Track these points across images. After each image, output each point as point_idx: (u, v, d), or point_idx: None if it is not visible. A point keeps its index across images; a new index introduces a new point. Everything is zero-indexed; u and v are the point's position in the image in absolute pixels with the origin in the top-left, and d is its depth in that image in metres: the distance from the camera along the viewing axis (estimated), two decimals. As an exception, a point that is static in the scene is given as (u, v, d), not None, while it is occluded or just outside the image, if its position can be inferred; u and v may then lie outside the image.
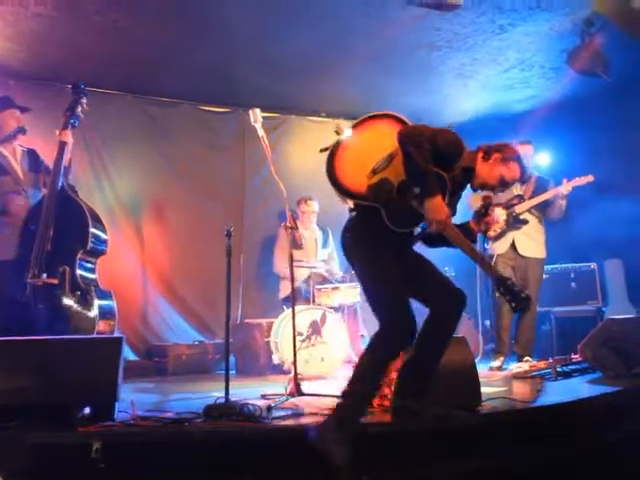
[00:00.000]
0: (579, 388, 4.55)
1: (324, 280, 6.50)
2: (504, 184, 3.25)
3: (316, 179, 7.50)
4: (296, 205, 6.73)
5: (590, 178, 5.92)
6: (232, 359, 6.09)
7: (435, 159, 3.01)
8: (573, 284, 6.66)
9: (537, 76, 6.77)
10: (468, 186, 3.35)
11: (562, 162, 6.81)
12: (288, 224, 4.81)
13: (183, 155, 7.12)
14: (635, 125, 6.55)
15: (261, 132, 4.69)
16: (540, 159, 6.74)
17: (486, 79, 6.81)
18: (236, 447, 3.24)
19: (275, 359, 5.93)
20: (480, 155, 3.29)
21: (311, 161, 7.72)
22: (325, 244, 6.95)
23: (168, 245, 6.96)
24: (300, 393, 4.33)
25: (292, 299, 4.75)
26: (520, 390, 4.50)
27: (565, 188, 5.89)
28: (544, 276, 6.17)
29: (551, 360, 5.33)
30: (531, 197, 6.04)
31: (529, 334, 5.91)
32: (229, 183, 7.32)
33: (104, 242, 4.93)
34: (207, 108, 7.35)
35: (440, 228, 2.95)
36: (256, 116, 4.70)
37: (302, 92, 7.11)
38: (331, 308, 6.11)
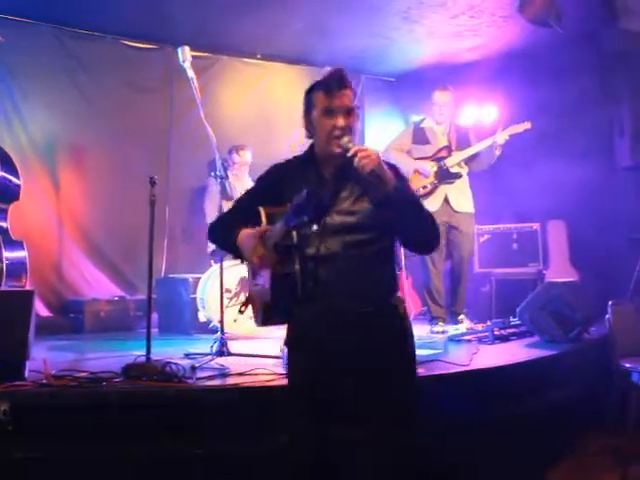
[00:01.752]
0: (515, 352, 4.73)
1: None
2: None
3: (250, 126, 7.52)
4: (227, 154, 6.68)
5: (527, 125, 5.90)
6: (155, 316, 6.09)
7: None
8: (515, 245, 6.80)
9: (487, 24, 6.83)
10: None
11: (509, 117, 6.93)
12: (218, 173, 4.79)
13: (104, 95, 6.93)
14: (584, 80, 6.69)
15: (190, 73, 4.62)
16: (486, 113, 6.83)
17: (433, 25, 6.84)
18: (157, 409, 3.28)
19: (201, 317, 5.96)
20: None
21: (245, 107, 7.67)
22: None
23: (86, 192, 6.82)
24: (227, 353, 4.38)
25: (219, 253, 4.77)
26: (456, 353, 4.65)
27: (501, 136, 5.87)
28: (485, 237, 6.31)
29: (489, 323, 5.51)
30: (458, 147, 6.06)
31: (462, 291, 6.06)
32: (154, 127, 7.18)
33: (16, 187, 4.81)
34: (131, 43, 7.15)
35: None
36: (185, 55, 4.63)
37: (237, 31, 6.99)
38: (262, 264, 6.14)
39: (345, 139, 2.38)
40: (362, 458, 2.35)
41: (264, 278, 2.53)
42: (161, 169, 6.76)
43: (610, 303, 4.96)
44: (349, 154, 2.32)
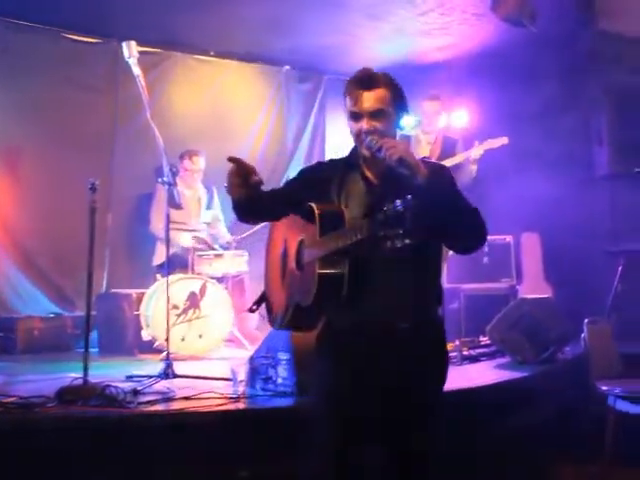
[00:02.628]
0: (485, 373, 4.78)
1: (207, 246, 6.49)
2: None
3: (203, 129, 7.51)
4: (178, 159, 6.66)
5: (504, 140, 6.08)
6: (94, 335, 6.05)
7: None
8: (486, 259, 6.87)
9: (457, 22, 6.94)
10: None
11: (480, 122, 7.01)
12: (165, 179, 4.78)
13: (41, 92, 6.84)
14: (559, 84, 6.80)
15: (137, 70, 4.61)
16: (456, 118, 6.91)
17: (401, 22, 6.92)
18: (94, 436, 3.24)
19: (145, 335, 5.91)
20: None
21: (197, 107, 7.66)
22: (209, 205, 6.92)
23: (19, 199, 6.72)
24: (172, 375, 4.35)
25: (166, 266, 4.75)
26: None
27: (476, 151, 6.06)
28: (452, 250, 6.36)
29: (457, 342, 5.56)
30: (439, 159, 6.18)
31: None
32: (97, 129, 7.12)
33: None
34: (72, 36, 7.09)
35: None
36: (131, 50, 4.61)
37: (189, 25, 6.98)
38: (213, 278, 6.13)
39: (369, 139, 2.47)
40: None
41: (300, 277, 2.65)
42: (103, 174, 6.69)
43: (586, 321, 5.04)
44: (374, 149, 2.42)
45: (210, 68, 7.85)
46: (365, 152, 2.52)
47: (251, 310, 2.96)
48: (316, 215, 2.53)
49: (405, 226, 2.10)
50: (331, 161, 2.80)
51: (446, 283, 6.43)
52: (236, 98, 7.93)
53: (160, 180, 4.83)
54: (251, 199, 2.64)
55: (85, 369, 3.88)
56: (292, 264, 2.72)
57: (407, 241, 2.14)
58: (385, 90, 2.53)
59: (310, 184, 2.71)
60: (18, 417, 3.29)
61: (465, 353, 5.31)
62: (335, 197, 2.58)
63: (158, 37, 7.21)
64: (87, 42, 7.18)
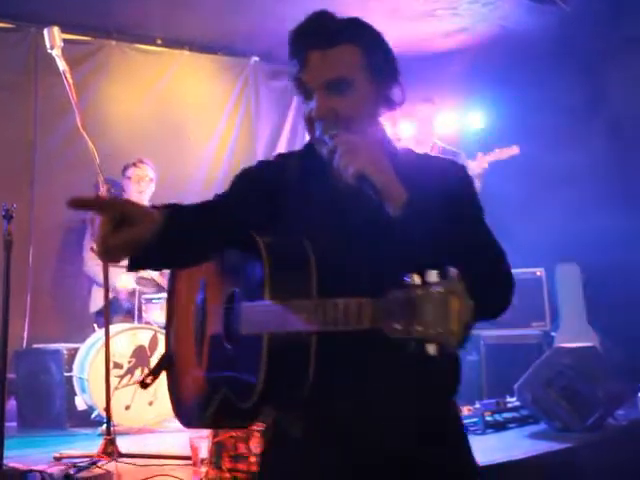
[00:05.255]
0: (514, 444, 4.74)
1: (156, 287, 6.45)
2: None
3: (148, 137, 7.50)
4: (121, 174, 6.63)
5: (514, 150, 6.19)
6: (12, 404, 5.96)
7: None
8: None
9: (468, 1, 6.98)
10: None
11: (500, 126, 7.02)
12: (102, 203, 4.74)
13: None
14: (596, 77, 6.84)
15: (62, 64, 4.59)
16: (470, 121, 6.93)
17: (399, 2, 6.95)
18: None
19: (79, 403, 5.85)
20: None
21: (140, 110, 7.65)
22: (160, 233, 6.88)
23: None
24: (116, 454, 4.29)
25: (105, 314, 4.71)
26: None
27: (480, 164, 6.14)
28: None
29: (478, 405, 5.53)
30: None
31: None
32: (11, 140, 7.08)
33: None
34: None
35: None
36: (54, 39, 4.60)
37: (129, 6, 7.00)
38: (166, 328, 6.08)
39: (321, 129, 2.04)
40: None
41: (232, 352, 2.10)
42: (22, 197, 6.67)
43: (643, 377, 5.05)
44: (327, 151, 1.98)
45: (157, 59, 7.87)
46: (319, 148, 2.06)
47: (143, 384, 2.40)
48: (263, 256, 1.95)
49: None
50: (281, 157, 2.34)
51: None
52: (190, 98, 7.94)
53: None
54: (159, 237, 1.85)
55: (0, 449, 3.81)
56: (216, 328, 2.16)
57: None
58: (352, 46, 2.08)
59: (248, 194, 2.19)
60: None
61: (488, 419, 5.27)
62: (288, 210, 2.13)
63: (88, 21, 7.23)
64: (-4, 28, 7.18)
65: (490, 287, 1.89)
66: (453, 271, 1.50)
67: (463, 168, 2.22)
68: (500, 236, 2.10)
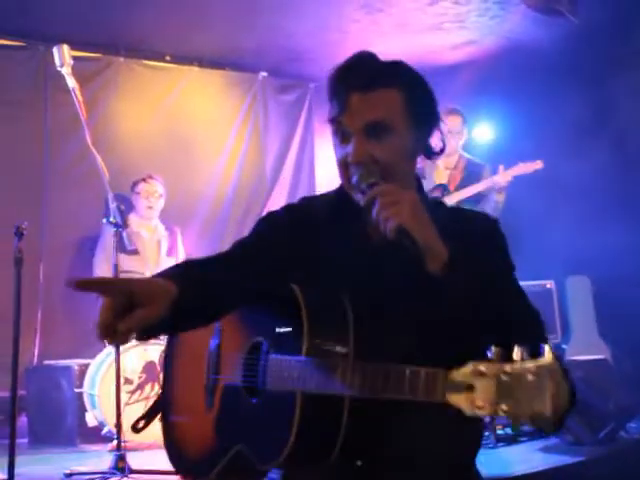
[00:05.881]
0: (526, 458, 4.72)
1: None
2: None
3: (157, 154, 7.51)
4: (130, 190, 6.64)
5: (538, 165, 6.14)
6: (23, 421, 5.98)
7: None
8: (522, 311, 6.83)
9: (476, 13, 6.98)
10: None
11: (508, 138, 7.02)
12: (112, 219, 4.75)
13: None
14: (606, 86, 6.83)
15: (72, 82, 4.61)
16: (479, 134, 6.93)
17: (404, 15, 6.97)
18: None
19: (90, 420, 5.85)
20: None
21: (149, 127, 7.65)
22: (171, 250, 6.88)
23: None
24: (127, 470, 4.30)
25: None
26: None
27: (503, 177, 6.09)
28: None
29: (488, 418, 5.49)
30: (459, 188, 6.24)
31: None
32: (21, 157, 7.10)
33: None
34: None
35: None
36: (64, 56, 4.62)
37: (138, 23, 7.02)
38: (176, 344, 6.07)
39: (357, 177, 1.94)
40: None
41: (253, 408, 2.02)
42: (32, 214, 6.66)
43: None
44: (365, 201, 1.88)
45: (166, 76, 7.87)
46: (354, 196, 2.00)
47: (135, 429, 2.34)
48: (302, 309, 1.88)
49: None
50: (306, 200, 2.27)
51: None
52: (199, 114, 7.94)
53: (105, 220, 4.80)
54: (173, 311, 1.76)
55: (11, 466, 3.81)
56: (234, 378, 2.10)
57: None
58: (394, 90, 1.99)
59: (277, 243, 2.11)
60: None
61: (500, 432, 5.25)
62: (322, 266, 2.04)
63: (98, 38, 7.24)
64: (6, 46, 7.18)
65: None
66: (546, 348, 1.45)
67: (496, 223, 2.16)
68: (510, 248, 2.10)
